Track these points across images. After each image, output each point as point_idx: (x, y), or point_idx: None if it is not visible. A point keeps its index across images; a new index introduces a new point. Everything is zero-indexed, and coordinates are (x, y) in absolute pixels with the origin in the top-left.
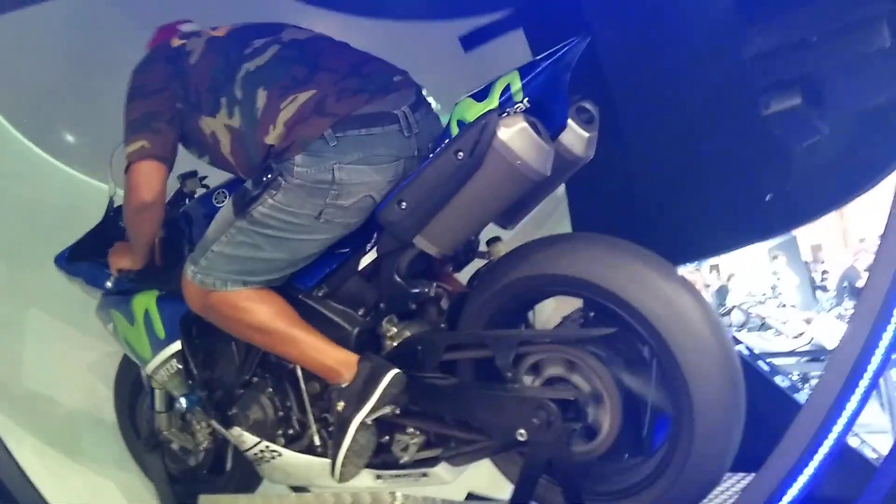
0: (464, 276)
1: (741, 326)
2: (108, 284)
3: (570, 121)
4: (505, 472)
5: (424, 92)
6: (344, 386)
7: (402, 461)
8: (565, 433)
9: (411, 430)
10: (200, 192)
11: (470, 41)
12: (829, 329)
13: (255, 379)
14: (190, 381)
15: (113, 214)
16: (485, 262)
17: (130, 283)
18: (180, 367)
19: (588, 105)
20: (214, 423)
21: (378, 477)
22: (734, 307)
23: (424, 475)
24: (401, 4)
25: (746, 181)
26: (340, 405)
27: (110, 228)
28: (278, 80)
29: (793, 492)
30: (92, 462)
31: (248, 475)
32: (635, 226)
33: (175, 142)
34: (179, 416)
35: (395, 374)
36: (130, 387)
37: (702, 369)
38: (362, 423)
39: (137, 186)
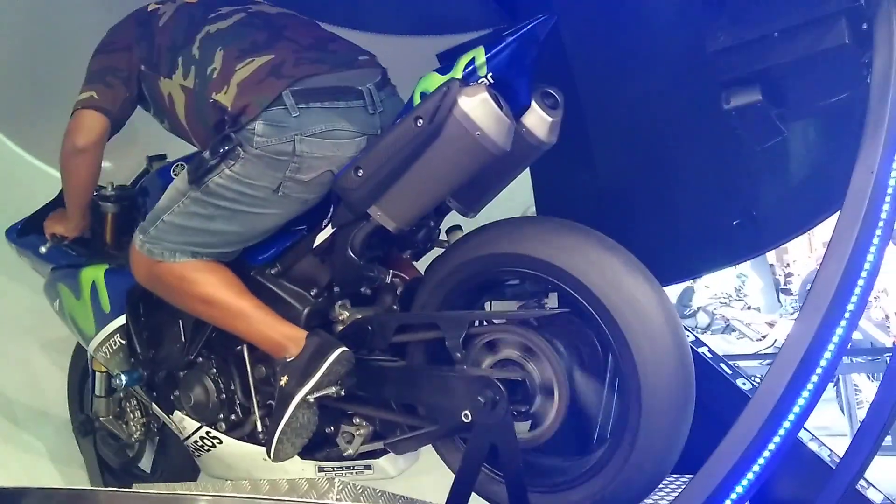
0: (422, 265)
1: (706, 328)
2: (42, 250)
3: (534, 103)
4: (448, 462)
5: (390, 74)
6: (289, 360)
7: (346, 453)
8: (510, 415)
9: (357, 420)
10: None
11: (447, 57)
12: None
13: (200, 360)
14: (132, 360)
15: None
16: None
17: (71, 253)
18: (123, 342)
19: (553, 91)
20: (155, 408)
21: (320, 469)
22: (699, 309)
23: (368, 468)
24: (380, 18)
25: (713, 207)
26: (284, 379)
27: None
28: (237, 44)
29: (736, 493)
30: (34, 447)
31: (181, 471)
32: None
33: (127, 100)
34: (117, 404)
35: (342, 352)
36: (81, 371)
37: (654, 366)
38: (304, 400)
39: (75, 131)
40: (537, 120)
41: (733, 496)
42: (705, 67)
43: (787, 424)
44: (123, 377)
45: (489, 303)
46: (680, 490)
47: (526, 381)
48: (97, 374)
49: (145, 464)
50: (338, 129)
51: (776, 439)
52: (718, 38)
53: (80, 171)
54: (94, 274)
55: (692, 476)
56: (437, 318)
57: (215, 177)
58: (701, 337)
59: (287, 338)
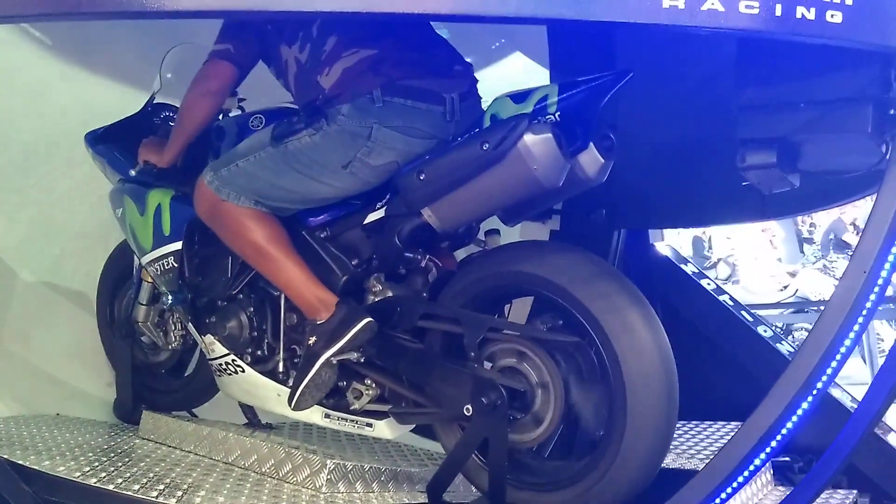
0: (457, 257)
1: (726, 279)
2: (132, 173)
3: (591, 145)
4: (442, 441)
5: (479, 86)
6: (319, 323)
7: (352, 407)
8: (507, 418)
9: (368, 382)
10: (236, 112)
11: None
12: (814, 281)
13: (240, 296)
14: (180, 282)
15: (151, 109)
16: (479, 249)
17: (151, 177)
18: (175, 265)
19: (611, 135)
20: (190, 327)
21: (326, 416)
22: (720, 260)
23: (369, 425)
24: None
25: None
26: (312, 339)
27: (144, 121)
28: (349, 32)
29: (776, 440)
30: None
31: (202, 388)
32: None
33: (255, 55)
34: (158, 313)
35: (368, 322)
36: (117, 276)
37: (641, 383)
38: (328, 361)
39: (208, 76)
40: (591, 160)
41: (773, 444)
42: (728, 121)
43: (819, 385)
44: (171, 297)
45: (509, 308)
46: (730, 438)
47: (527, 393)
48: (143, 282)
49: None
50: (414, 128)
51: (809, 398)
52: (745, 95)
53: (202, 112)
54: (160, 197)
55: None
56: (462, 315)
57: (295, 140)
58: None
59: (320, 301)
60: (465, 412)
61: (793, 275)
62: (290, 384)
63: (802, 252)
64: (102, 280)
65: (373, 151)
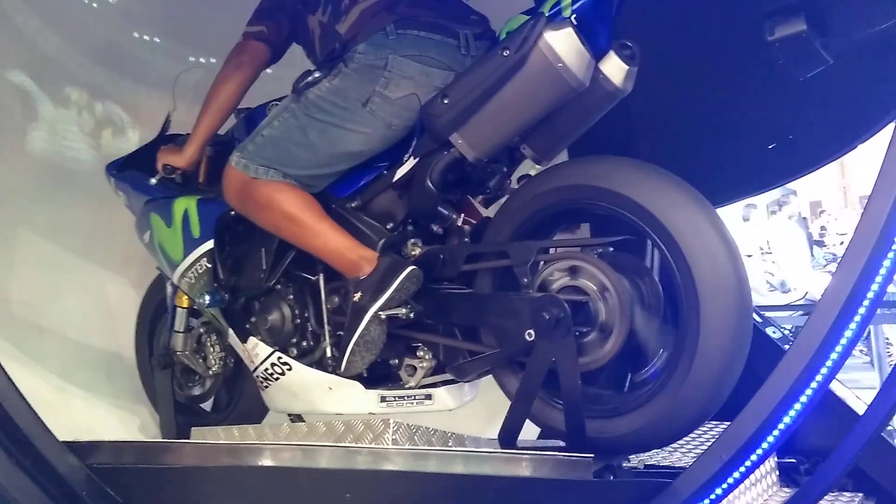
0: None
1: None
2: (153, 181)
3: (612, 51)
4: (507, 389)
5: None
6: (363, 278)
7: (408, 385)
8: (573, 334)
9: (420, 353)
10: None
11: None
12: (823, 284)
13: (278, 287)
14: (215, 284)
15: (168, 134)
16: None
17: (175, 189)
18: (209, 266)
19: (630, 43)
20: (231, 338)
21: (382, 399)
22: None
23: (428, 398)
24: None
25: (749, 131)
26: (357, 296)
27: (164, 145)
28: None
29: (770, 439)
30: (95, 391)
31: (247, 414)
32: None
33: (288, 35)
34: (195, 339)
35: (413, 269)
36: (154, 309)
37: (714, 300)
38: (375, 316)
39: (241, 53)
40: (614, 67)
41: (765, 445)
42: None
43: (819, 378)
44: (207, 297)
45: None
46: (714, 437)
47: (588, 304)
48: (178, 309)
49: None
50: (429, 57)
51: (808, 391)
52: None
53: (231, 91)
54: (186, 203)
55: (721, 422)
56: (507, 246)
57: (315, 89)
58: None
59: (361, 257)
60: (528, 338)
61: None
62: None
63: (813, 255)
64: (140, 318)
65: (390, 82)
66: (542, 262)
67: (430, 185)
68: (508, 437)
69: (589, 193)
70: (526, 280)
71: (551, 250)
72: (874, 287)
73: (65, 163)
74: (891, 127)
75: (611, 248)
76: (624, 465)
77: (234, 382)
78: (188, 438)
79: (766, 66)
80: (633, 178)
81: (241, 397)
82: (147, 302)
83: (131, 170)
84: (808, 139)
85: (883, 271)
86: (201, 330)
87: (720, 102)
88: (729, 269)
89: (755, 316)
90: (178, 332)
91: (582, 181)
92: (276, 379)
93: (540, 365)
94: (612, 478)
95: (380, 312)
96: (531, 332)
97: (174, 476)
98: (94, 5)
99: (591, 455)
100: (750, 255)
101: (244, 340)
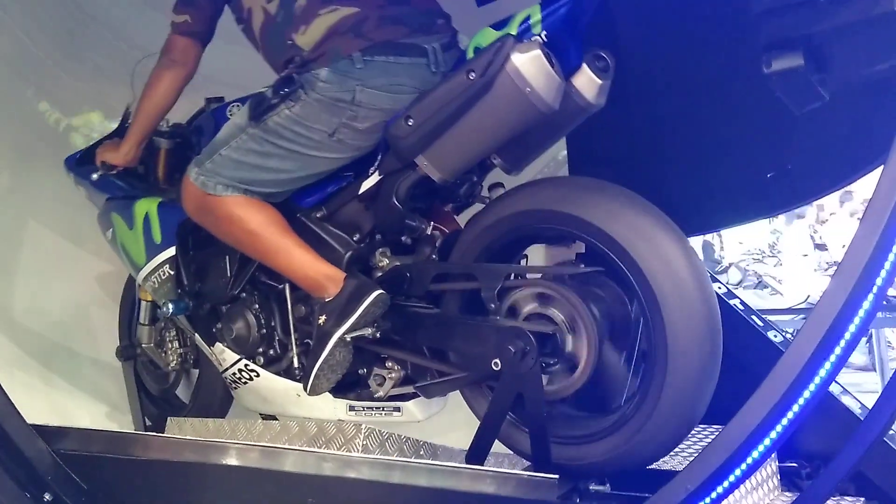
0: (462, 220)
1: (737, 284)
2: (94, 177)
3: (584, 65)
4: (475, 409)
5: (460, 37)
6: (328, 300)
7: (376, 395)
8: (539, 366)
9: (389, 364)
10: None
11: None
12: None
13: (244, 295)
14: (179, 291)
15: (127, 126)
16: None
17: (125, 185)
18: (171, 273)
19: (604, 54)
20: (198, 341)
21: (351, 409)
22: (731, 264)
23: (397, 410)
24: None
25: (747, 160)
26: (322, 319)
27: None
28: None
29: (764, 444)
30: (73, 377)
31: (209, 406)
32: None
33: (215, 18)
34: (159, 333)
35: (379, 294)
36: (132, 301)
37: (682, 323)
38: (341, 339)
39: (171, 51)
40: (587, 81)
41: (765, 443)
42: (748, 28)
43: (821, 374)
44: (170, 305)
45: (525, 259)
46: (710, 440)
47: (556, 335)
48: (143, 302)
49: (182, 393)
50: (398, 84)
51: (806, 393)
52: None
53: (166, 89)
54: (147, 206)
55: (722, 427)
56: (475, 268)
57: (274, 116)
58: (734, 291)
59: (327, 277)
60: (494, 367)
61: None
62: None
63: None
64: (121, 309)
65: (358, 115)
66: (509, 288)
67: (395, 202)
68: (476, 457)
69: (553, 218)
70: (493, 306)
71: (520, 275)
72: (874, 290)
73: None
74: None
75: (579, 273)
76: (591, 486)
77: (202, 374)
78: (164, 429)
79: (766, 96)
80: (598, 202)
81: (212, 389)
82: (126, 292)
83: (90, 164)
84: (807, 170)
85: (883, 273)
86: (162, 325)
87: (722, 130)
88: (695, 294)
89: (756, 320)
90: (143, 324)
91: (546, 206)
92: (245, 383)
93: (506, 394)
94: (577, 500)
95: (345, 335)
96: (497, 361)
97: (139, 468)
98: None
99: (556, 476)
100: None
101: (210, 345)
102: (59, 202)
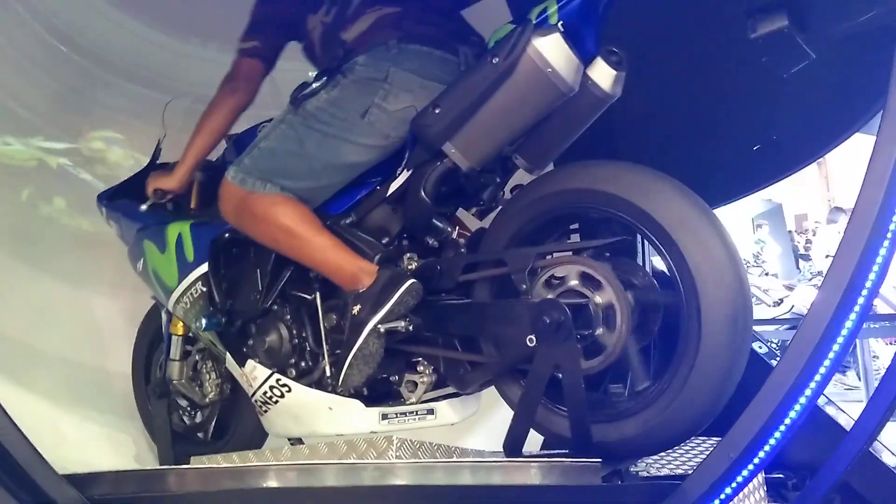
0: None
1: None
2: (143, 208)
3: (599, 57)
4: (508, 398)
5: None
6: (362, 290)
7: (409, 402)
8: (574, 337)
9: (420, 368)
10: None
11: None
12: (810, 298)
13: (275, 308)
14: (211, 308)
15: (159, 163)
16: None
17: (166, 213)
18: (204, 290)
19: (617, 50)
20: (229, 363)
21: (384, 416)
22: None
23: (430, 412)
24: None
25: (734, 133)
26: (356, 308)
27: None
28: None
29: (760, 455)
30: (93, 419)
31: (247, 442)
32: None
33: (282, 45)
34: (191, 367)
35: (413, 283)
36: (151, 338)
37: (717, 303)
38: (374, 329)
39: (237, 75)
40: (602, 72)
41: (762, 453)
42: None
43: (812, 385)
44: (204, 320)
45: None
46: (705, 453)
47: (589, 306)
48: (173, 337)
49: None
50: (429, 70)
51: (797, 407)
52: None
53: (226, 114)
54: (180, 227)
55: (708, 438)
56: (504, 254)
57: (314, 100)
58: None
59: (361, 269)
60: (529, 344)
61: (790, 288)
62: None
63: (798, 269)
64: (136, 347)
65: (389, 94)
66: (539, 268)
67: (424, 196)
68: (514, 445)
69: (585, 197)
70: (524, 286)
71: (548, 256)
72: (860, 301)
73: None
74: (872, 138)
75: (607, 253)
76: (630, 469)
77: (231, 410)
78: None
79: (748, 66)
80: (631, 180)
81: (239, 424)
82: (143, 331)
83: (122, 199)
84: (791, 139)
85: (868, 284)
86: (197, 357)
87: (704, 105)
88: (730, 272)
89: None
90: (174, 360)
91: (578, 185)
92: (276, 402)
93: (542, 370)
94: (620, 482)
95: (379, 326)
96: (532, 337)
97: (177, 503)
98: None
99: (599, 460)
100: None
101: (242, 364)
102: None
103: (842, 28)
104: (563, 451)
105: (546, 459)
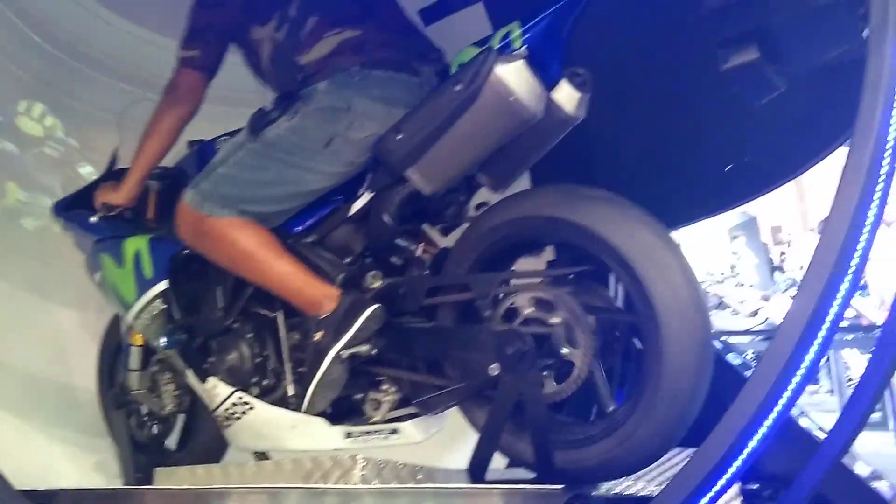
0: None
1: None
2: (92, 220)
3: (563, 80)
4: (474, 422)
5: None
6: (323, 317)
7: (373, 420)
8: (537, 368)
9: (385, 387)
10: None
11: (431, 14)
12: (784, 309)
13: (237, 325)
14: (171, 325)
15: (116, 169)
16: None
17: (116, 226)
18: (163, 307)
19: (581, 71)
20: (190, 378)
21: (348, 435)
22: None
23: (395, 432)
24: None
25: (705, 154)
26: (318, 335)
27: (112, 181)
28: (330, 13)
29: (735, 466)
30: (57, 432)
31: (212, 450)
32: None
33: (223, 54)
34: (150, 378)
35: (375, 308)
36: (114, 348)
37: (677, 326)
38: (338, 356)
39: (178, 86)
40: (566, 95)
41: (736, 465)
42: (703, 27)
43: (786, 397)
44: (164, 339)
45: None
46: (672, 464)
47: (552, 337)
48: (132, 347)
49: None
50: (393, 97)
51: (776, 410)
52: None
53: (170, 126)
54: (138, 243)
55: (684, 449)
56: (468, 279)
57: (273, 128)
58: None
59: (323, 295)
60: (492, 373)
61: (766, 299)
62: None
63: (773, 280)
64: (101, 354)
65: (353, 124)
66: (503, 294)
67: (387, 218)
68: (478, 470)
69: (540, 224)
70: (488, 313)
71: (513, 281)
72: (832, 311)
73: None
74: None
75: (571, 276)
76: (593, 493)
77: (194, 420)
78: (151, 479)
79: (721, 91)
80: (588, 206)
81: (202, 433)
82: (107, 339)
83: (79, 208)
84: (763, 161)
85: (841, 294)
86: (155, 368)
87: (678, 127)
88: (687, 295)
89: (715, 342)
90: (133, 370)
91: (534, 212)
92: (238, 418)
93: (506, 399)
94: None
95: (342, 352)
96: (495, 366)
97: None
98: None
99: (561, 487)
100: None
101: (203, 380)
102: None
103: (812, 62)
104: (529, 475)
105: (509, 487)
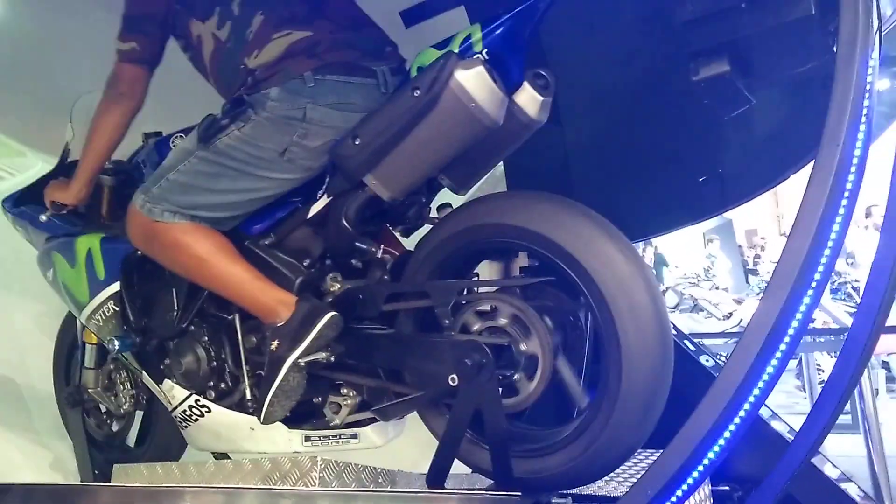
0: (411, 242)
1: (674, 307)
2: (42, 219)
3: (525, 82)
4: (433, 429)
5: (407, 64)
6: (279, 325)
7: (332, 424)
8: (496, 378)
9: (344, 391)
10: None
11: (411, 16)
12: None
13: (192, 328)
14: (125, 327)
15: (68, 163)
16: None
17: (67, 223)
18: (116, 309)
19: (544, 72)
20: (145, 379)
21: (307, 439)
22: (668, 288)
23: (354, 437)
24: None
25: (679, 165)
26: (275, 344)
27: (64, 175)
28: (278, 12)
29: (701, 467)
30: (14, 429)
31: (169, 447)
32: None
33: (163, 44)
34: (106, 376)
35: (332, 316)
36: (70, 346)
37: (635, 331)
38: (295, 364)
39: (119, 82)
40: (529, 98)
41: (700, 468)
42: (674, 38)
43: (752, 399)
44: (117, 342)
45: (476, 276)
46: (647, 466)
47: (511, 347)
48: (87, 345)
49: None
50: (348, 102)
51: (741, 413)
52: (687, 8)
53: (114, 123)
54: (89, 242)
55: (655, 451)
56: (427, 286)
57: (224, 137)
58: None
59: (278, 302)
60: (451, 383)
61: (739, 302)
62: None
63: (748, 282)
64: (56, 354)
65: (309, 132)
66: (463, 302)
67: (345, 223)
68: (437, 478)
69: (501, 231)
70: (447, 322)
71: (472, 289)
72: (798, 315)
73: None
74: None
75: (533, 284)
76: (553, 500)
77: (152, 417)
78: (109, 476)
79: (695, 102)
80: (544, 214)
81: (159, 431)
82: (63, 336)
83: (29, 204)
84: (738, 173)
85: (807, 300)
86: (111, 367)
87: (653, 138)
88: (646, 301)
89: (688, 344)
90: (89, 368)
91: (492, 219)
92: (196, 420)
93: (464, 409)
94: None
95: (299, 360)
96: (454, 376)
97: None
98: None
99: (519, 494)
100: (695, 283)
101: (159, 382)
102: None
103: (782, 76)
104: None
105: (467, 492)
